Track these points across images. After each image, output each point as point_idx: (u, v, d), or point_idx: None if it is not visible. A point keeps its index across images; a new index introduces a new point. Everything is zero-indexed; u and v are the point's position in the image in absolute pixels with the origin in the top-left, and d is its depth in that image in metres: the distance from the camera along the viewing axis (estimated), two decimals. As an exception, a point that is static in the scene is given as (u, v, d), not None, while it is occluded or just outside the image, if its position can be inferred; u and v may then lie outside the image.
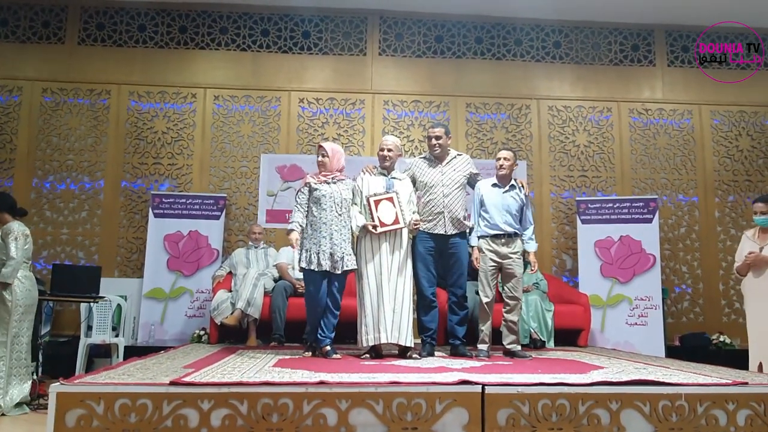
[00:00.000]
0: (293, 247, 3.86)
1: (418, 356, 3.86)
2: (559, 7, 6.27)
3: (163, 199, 5.88)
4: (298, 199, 4.02)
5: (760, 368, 3.80)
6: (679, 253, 6.35)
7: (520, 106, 6.48)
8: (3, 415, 3.62)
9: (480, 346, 4.11)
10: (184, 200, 5.89)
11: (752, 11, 6.19)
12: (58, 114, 6.11)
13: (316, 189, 3.98)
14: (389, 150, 4.07)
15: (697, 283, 6.32)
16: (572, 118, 6.51)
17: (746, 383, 2.82)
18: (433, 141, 4.24)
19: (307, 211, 4.00)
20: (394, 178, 4.09)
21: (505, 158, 4.22)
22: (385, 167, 4.10)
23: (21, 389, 3.73)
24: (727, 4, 6.09)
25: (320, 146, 4.12)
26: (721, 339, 5.77)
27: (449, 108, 6.42)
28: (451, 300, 4.25)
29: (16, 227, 3.83)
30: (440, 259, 4.18)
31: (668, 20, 6.52)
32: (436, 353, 4.09)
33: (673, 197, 6.43)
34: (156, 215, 5.82)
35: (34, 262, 5.57)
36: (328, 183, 4.01)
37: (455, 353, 4.13)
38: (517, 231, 4.18)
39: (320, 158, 4.08)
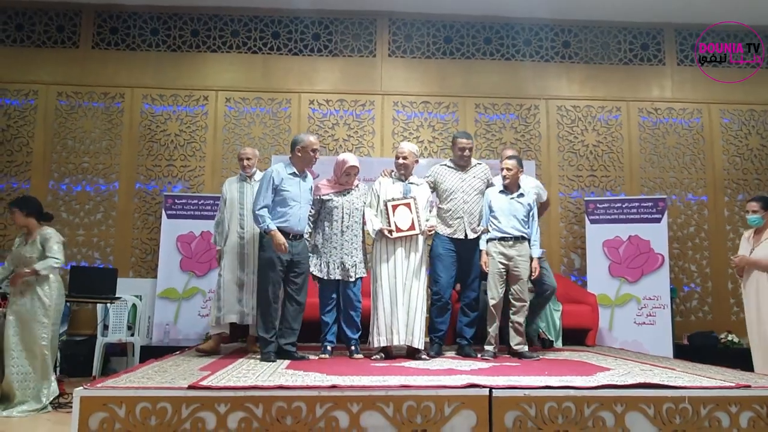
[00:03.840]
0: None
1: (426, 357, 3.94)
2: (568, 7, 6.29)
3: (176, 201, 5.97)
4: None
5: None
6: (688, 252, 6.37)
7: (529, 106, 6.52)
8: (42, 409, 3.82)
9: (486, 347, 4.20)
10: (196, 201, 5.99)
11: (761, 11, 6.17)
12: (73, 117, 6.22)
13: (328, 200, 4.14)
14: (404, 158, 4.17)
15: (705, 281, 6.35)
16: (581, 118, 6.54)
17: (749, 386, 2.86)
18: (466, 152, 4.38)
19: (316, 219, 4.18)
20: (411, 183, 4.19)
21: (507, 168, 4.29)
22: (402, 174, 4.21)
23: (55, 386, 3.95)
24: (737, 2, 6.08)
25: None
26: (729, 338, 5.79)
27: (458, 109, 6.46)
28: (464, 302, 4.37)
29: (54, 233, 4.07)
30: (458, 263, 4.30)
31: (678, 19, 6.52)
32: (444, 353, 4.19)
33: (683, 196, 6.45)
34: (169, 216, 5.92)
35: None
36: (342, 194, 4.16)
37: (461, 353, 4.23)
38: (524, 234, 4.27)
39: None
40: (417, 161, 4.26)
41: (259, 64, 6.41)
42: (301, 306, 3.97)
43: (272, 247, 3.76)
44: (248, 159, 4.46)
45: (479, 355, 4.13)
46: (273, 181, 3.84)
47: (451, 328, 4.58)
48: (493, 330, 4.23)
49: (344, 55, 6.47)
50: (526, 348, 4.24)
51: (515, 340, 4.23)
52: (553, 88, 6.55)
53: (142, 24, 6.37)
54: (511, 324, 4.27)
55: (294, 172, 3.95)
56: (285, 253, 3.79)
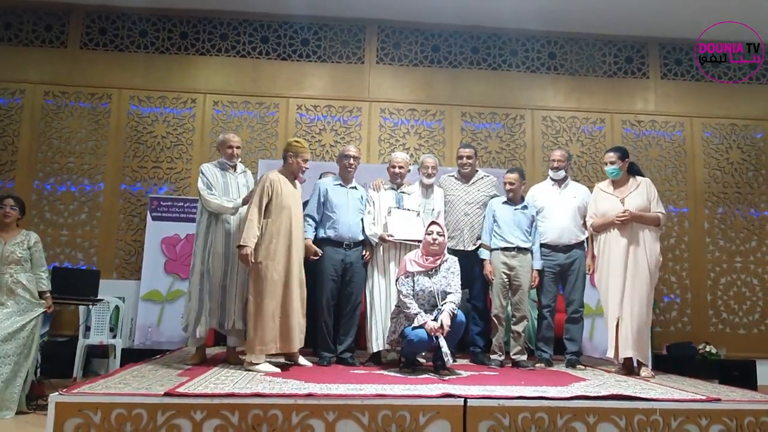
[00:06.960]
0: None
1: (423, 361, 4.04)
2: (554, 19, 6.37)
3: (161, 203, 5.97)
4: (403, 290, 3.75)
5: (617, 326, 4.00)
6: (669, 263, 6.45)
7: (514, 116, 6.58)
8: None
9: (493, 356, 4.32)
10: (181, 204, 5.99)
11: (744, 29, 6.27)
12: (59, 117, 6.20)
13: (416, 280, 3.78)
14: (401, 167, 4.27)
15: (685, 292, 6.43)
16: (565, 129, 6.61)
17: (719, 399, 2.93)
18: (464, 160, 4.52)
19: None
20: (403, 192, 4.29)
21: (510, 182, 4.38)
22: (397, 183, 4.29)
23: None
24: (721, 18, 6.17)
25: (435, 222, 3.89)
26: (707, 349, 5.88)
27: (445, 117, 6.52)
28: (473, 312, 4.46)
29: (37, 237, 4.10)
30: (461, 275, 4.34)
31: (662, 33, 6.62)
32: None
33: (664, 207, 6.52)
34: (154, 218, 5.92)
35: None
36: (430, 274, 3.80)
37: (475, 361, 4.36)
38: (527, 246, 4.35)
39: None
40: (409, 170, 4.37)
41: (248, 68, 6.43)
42: (354, 315, 4.07)
43: (323, 258, 4.00)
44: (237, 147, 4.13)
45: (489, 363, 4.25)
46: (317, 193, 4.19)
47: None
48: (496, 339, 4.33)
49: (333, 61, 6.51)
50: (524, 357, 4.31)
51: (515, 349, 4.32)
52: (539, 99, 6.63)
53: (131, 25, 6.36)
54: (510, 333, 4.37)
55: (340, 183, 4.21)
56: (312, 262, 3.96)
